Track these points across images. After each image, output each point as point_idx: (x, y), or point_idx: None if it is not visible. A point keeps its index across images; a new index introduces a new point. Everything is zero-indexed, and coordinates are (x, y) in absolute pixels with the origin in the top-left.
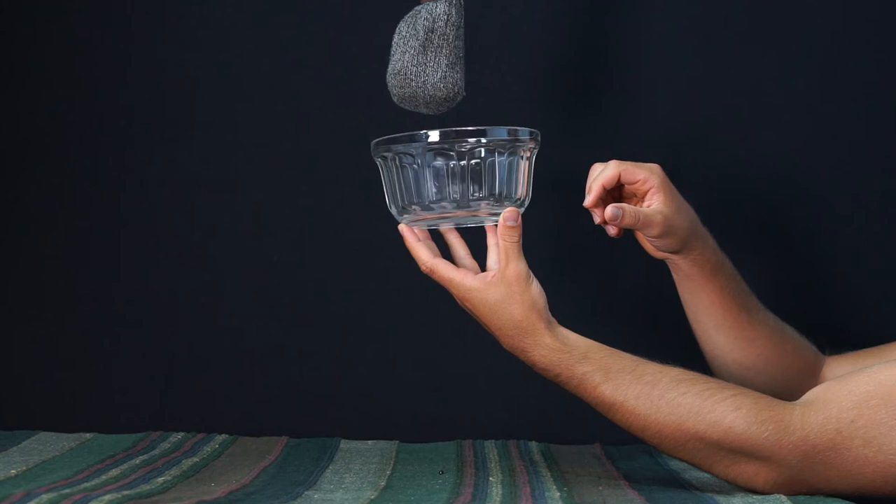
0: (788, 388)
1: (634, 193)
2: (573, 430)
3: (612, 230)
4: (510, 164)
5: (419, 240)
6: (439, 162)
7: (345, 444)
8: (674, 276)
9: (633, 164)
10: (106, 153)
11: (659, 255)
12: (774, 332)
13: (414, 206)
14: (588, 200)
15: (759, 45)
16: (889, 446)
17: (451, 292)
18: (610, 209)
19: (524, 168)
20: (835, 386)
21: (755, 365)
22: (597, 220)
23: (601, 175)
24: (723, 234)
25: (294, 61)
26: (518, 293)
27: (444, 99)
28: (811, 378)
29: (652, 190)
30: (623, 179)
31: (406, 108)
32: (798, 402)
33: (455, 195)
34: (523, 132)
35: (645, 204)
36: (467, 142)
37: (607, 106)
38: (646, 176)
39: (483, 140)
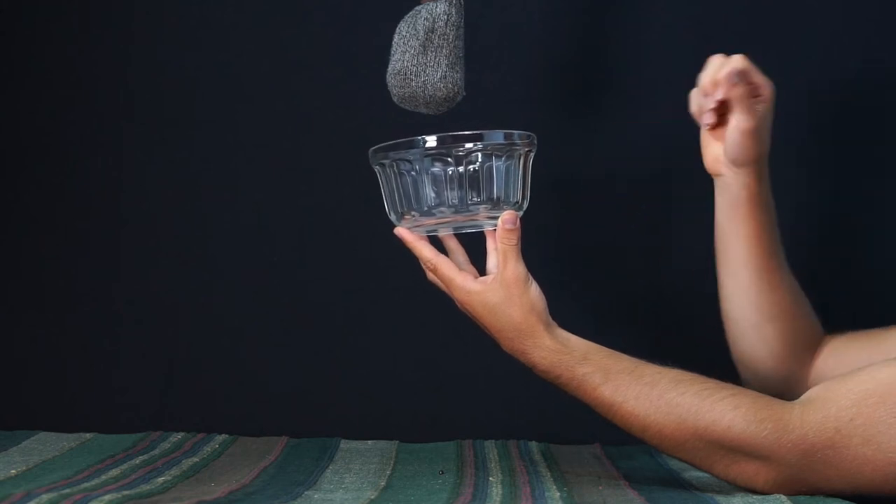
0: (792, 350)
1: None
2: (573, 430)
3: (709, 115)
4: (507, 168)
5: (420, 238)
6: (437, 167)
7: (345, 444)
8: (720, 199)
9: (754, 67)
10: (106, 153)
11: (719, 166)
12: (794, 289)
13: (413, 212)
14: (719, 93)
15: (759, 45)
16: (888, 444)
17: (452, 295)
18: (737, 61)
19: (521, 171)
20: (833, 384)
21: (771, 311)
22: (710, 114)
23: (728, 65)
24: None
25: (294, 61)
26: (517, 295)
27: (444, 99)
28: (811, 350)
29: (762, 97)
30: (748, 77)
31: (406, 108)
32: (797, 401)
33: (453, 200)
34: (519, 135)
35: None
36: (464, 147)
37: (607, 106)
38: (763, 82)
39: (480, 144)
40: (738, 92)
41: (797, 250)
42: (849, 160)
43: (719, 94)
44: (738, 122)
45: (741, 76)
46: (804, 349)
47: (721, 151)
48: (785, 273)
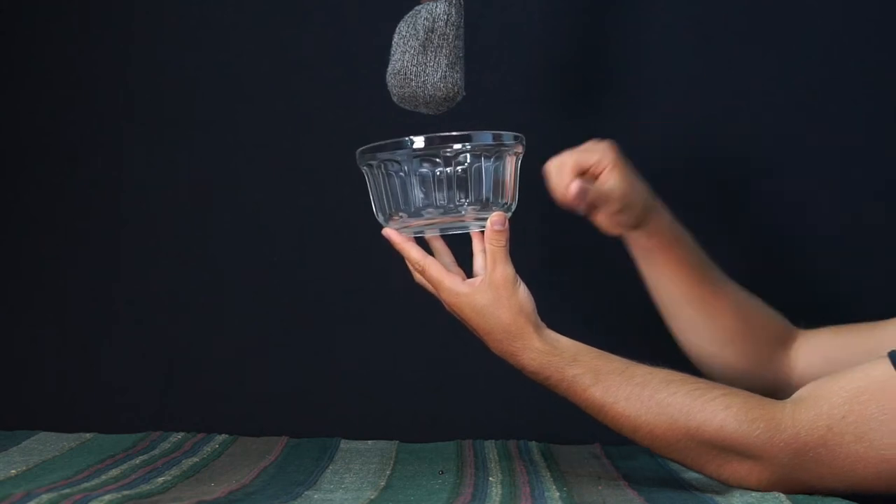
0: (759, 361)
1: (593, 175)
2: (573, 430)
3: (581, 211)
4: (496, 169)
5: (408, 239)
6: (425, 168)
7: (345, 444)
8: (634, 254)
9: (583, 149)
10: (106, 153)
11: (616, 231)
12: (741, 304)
13: (401, 213)
14: (571, 198)
15: (759, 45)
16: (880, 441)
17: (440, 297)
18: (574, 185)
19: (510, 173)
20: (825, 383)
21: (723, 337)
22: (583, 212)
23: (562, 175)
24: (723, 232)
25: (294, 61)
26: (506, 297)
27: (444, 99)
28: (783, 351)
29: (606, 168)
30: (580, 169)
31: (406, 107)
32: (788, 399)
33: (442, 201)
34: (508, 136)
35: (601, 181)
36: (452, 147)
37: (607, 106)
38: (598, 157)
39: (468, 145)
40: (585, 203)
41: (788, 254)
42: (847, 160)
43: (576, 206)
44: (604, 211)
45: (583, 192)
46: (774, 350)
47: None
48: (727, 295)
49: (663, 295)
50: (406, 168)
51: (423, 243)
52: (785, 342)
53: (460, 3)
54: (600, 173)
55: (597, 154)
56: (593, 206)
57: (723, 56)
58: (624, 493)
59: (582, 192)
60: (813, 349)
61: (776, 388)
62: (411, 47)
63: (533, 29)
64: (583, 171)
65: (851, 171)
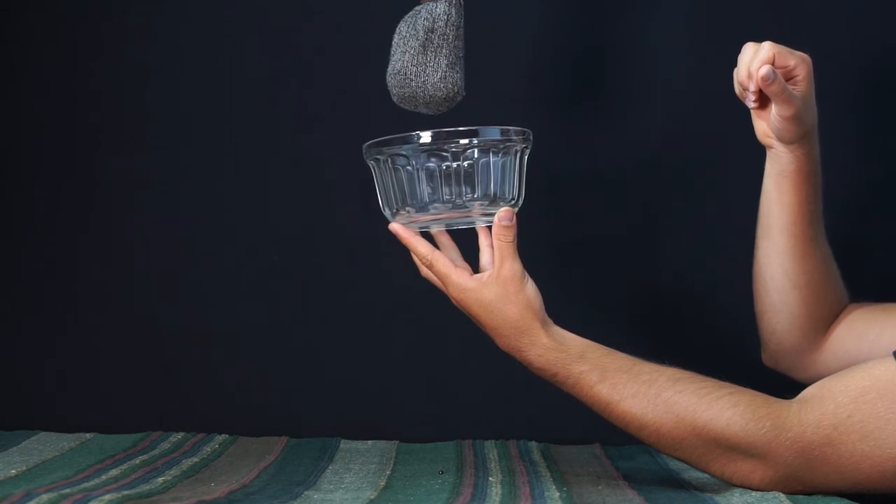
0: (811, 319)
1: (784, 75)
2: (573, 430)
3: (751, 98)
4: (503, 165)
5: (415, 234)
6: (432, 163)
7: (345, 444)
8: (769, 167)
9: (786, 48)
10: (106, 153)
11: (768, 139)
12: (826, 261)
13: (408, 208)
14: (753, 86)
15: None
16: (885, 440)
17: (447, 291)
18: (765, 69)
19: (517, 168)
20: (830, 382)
21: (798, 279)
22: (752, 99)
23: (758, 57)
24: (724, 233)
25: (294, 61)
26: (513, 293)
27: (444, 99)
28: (830, 319)
29: (798, 77)
30: (776, 62)
31: (406, 108)
32: (794, 399)
33: (449, 196)
34: (515, 131)
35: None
36: (459, 142)
37: (606, 106)
38: (797, 63)
39: (475, 140)
40: (772, 89)
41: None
42: (848, 160)
43: (753, 87)
44: (777, 111)
45: (772, 74)
46: (824, 317)
47: (768, 128)
48: (819, 244)
49: (770, 216)
50: (413, 163)
51: (428, 237)
52: (836, 314)
53: (460, 3)
54: (790, 79)
55: (795, 59)
56: (766, 102)
57: (723, 56)
58: (624, 493)
59: (771, 75)
60: (848, 327)
61: (808, 350)
62: (411, 47)
63: (533, 29)
64: (779, 66)
65: (852, 171)
